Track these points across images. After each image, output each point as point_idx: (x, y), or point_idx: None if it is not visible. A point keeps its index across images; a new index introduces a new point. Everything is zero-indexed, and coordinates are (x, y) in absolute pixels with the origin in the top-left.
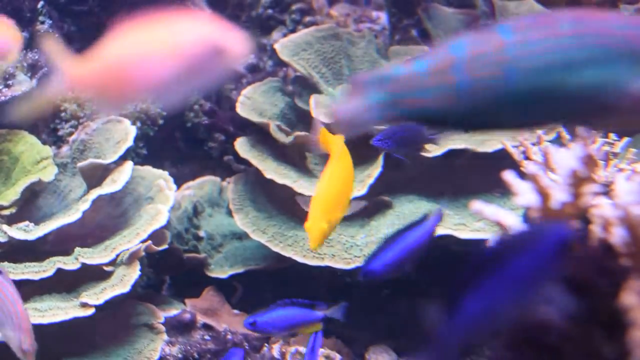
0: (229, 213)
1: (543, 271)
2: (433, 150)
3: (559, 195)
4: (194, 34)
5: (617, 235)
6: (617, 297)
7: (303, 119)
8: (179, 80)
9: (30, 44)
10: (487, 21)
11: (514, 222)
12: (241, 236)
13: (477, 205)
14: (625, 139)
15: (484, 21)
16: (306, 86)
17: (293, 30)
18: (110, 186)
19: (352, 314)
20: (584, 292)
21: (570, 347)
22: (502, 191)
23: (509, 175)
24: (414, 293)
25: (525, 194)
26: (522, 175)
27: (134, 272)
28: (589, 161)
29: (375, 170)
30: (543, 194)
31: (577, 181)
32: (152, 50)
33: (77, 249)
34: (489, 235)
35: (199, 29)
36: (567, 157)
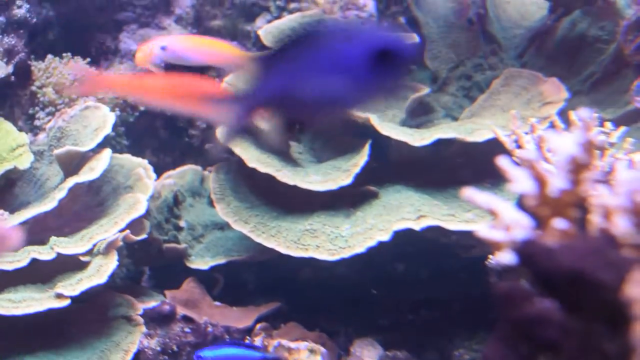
0: (211, 203)
1: (354, 71)
2: (421, 140)
3: (557, 182)
4: None
5: (620, 225)
6: (619, 290)
7: None
8: None
9: (6, 29)
10: (479, 10)
11: (507, 210)
12: (223, 226)
13: (469, 193)
14: (622, 128)
15: (475, 10)
16: None
17: (278, 17)
18: (87, 174)
19: (336, 307)
20: (584, 284)
21: (569, 343)
22: (493, 181)
23: (503, 161)
24: (400, 286)
25: (520, 181)
26: (516, 164)
27: (112, 263)
28: (589, 147)
29: (361, 159)
30: (540, 181)
31: (577, 168)
32: None
33: (53, 238)
34: (479, 226)
35: None
36: (566, 143)
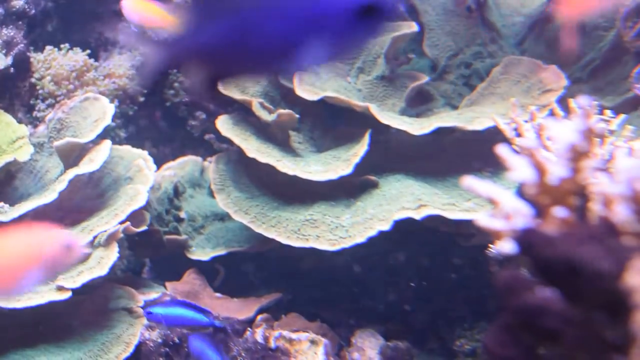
0: (211, 193)
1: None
2: (421, 129)
3: (557, 170)
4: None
5: (620, 213)
6: (619, 278)
7: (286, 97)
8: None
9: (5, 20)
10: None
11: (507, 198)
12: (223, 217)
13: (469, 181)
14: (622, 116)
15: None
16: None
17: None
18: (87, 166)
19: (337, 297)
20: (585, 273)
21: (570, 331)
22: (493, 170)
23: (503, 149)
24: (401, 277)
25: (520, 169)
26: (515, 152)
27: (112, 254)
28: (589, 135)
29: (361, 148)
30: (540, 169)
31: (576, 156)
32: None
33: None
34: (479, 215)
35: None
36: (565, 131)
